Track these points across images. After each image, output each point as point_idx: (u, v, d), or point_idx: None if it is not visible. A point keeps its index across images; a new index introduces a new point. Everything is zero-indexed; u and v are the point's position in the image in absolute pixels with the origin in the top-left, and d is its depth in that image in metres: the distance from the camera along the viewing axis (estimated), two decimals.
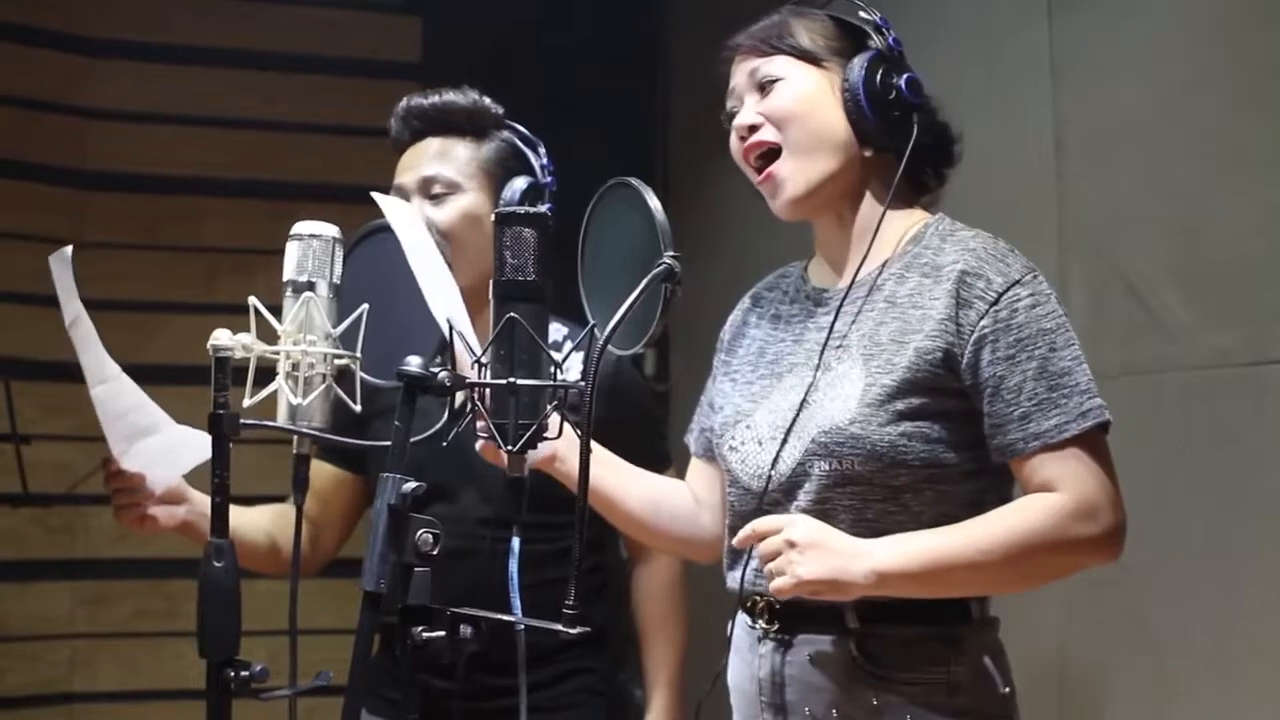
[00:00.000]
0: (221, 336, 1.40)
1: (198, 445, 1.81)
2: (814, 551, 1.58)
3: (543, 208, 1.90)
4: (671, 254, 1.48)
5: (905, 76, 1.73)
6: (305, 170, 3.97)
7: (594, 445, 1.82)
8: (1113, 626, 2.39)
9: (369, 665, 2.21)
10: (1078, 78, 2.54)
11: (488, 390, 1.38)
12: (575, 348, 1.47)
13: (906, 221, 1.77)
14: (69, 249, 1.73)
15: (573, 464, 1.79)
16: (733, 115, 1.80)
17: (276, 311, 1.45)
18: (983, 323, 1.64)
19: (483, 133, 2.16)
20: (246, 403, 1.41)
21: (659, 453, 2.19)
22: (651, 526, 1.92)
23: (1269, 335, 2.13)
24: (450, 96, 2.18)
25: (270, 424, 1.42)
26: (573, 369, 1.50)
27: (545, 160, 2.16)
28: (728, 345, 1.92)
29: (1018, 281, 1.65)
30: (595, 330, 1.50)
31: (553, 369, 1.39)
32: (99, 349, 1.80)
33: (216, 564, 1.38)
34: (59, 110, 3.86)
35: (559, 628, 1.33)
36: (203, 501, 1.99)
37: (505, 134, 2.18)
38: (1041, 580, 1.72)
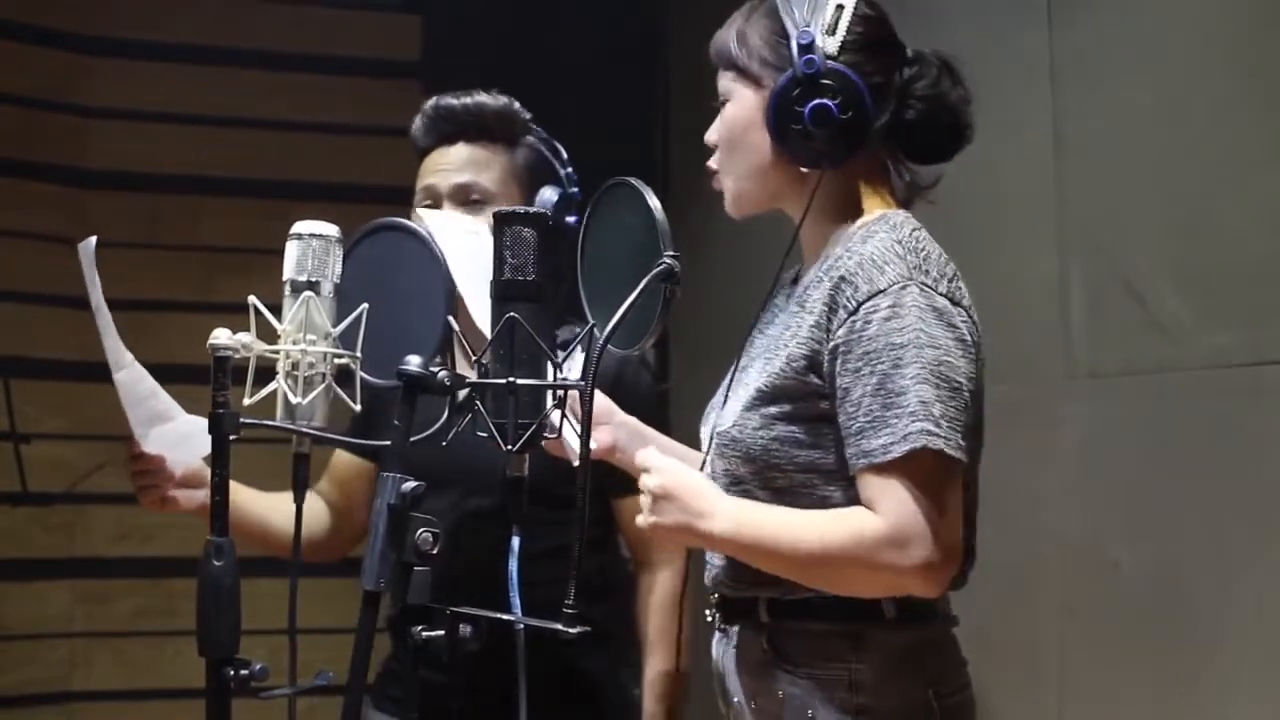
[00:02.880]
0: (221, 336, 1.40)
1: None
2: (666, 503, 1.63)
3: (571, 219, 1.92)
4: (671, 254, 1.48)
5: (810, 105, 1.66)
6: (305, 170, 3.96)
7: (648, 428, 1.86)
8: (1112, 626, 2.39)
9: (383, 667, 2.22)
10: (1077, 78, 2.54)
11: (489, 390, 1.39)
12: (574, 347, 1.47)
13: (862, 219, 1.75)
14: (93, 240, 1.75)
15: (634, 453, 1.81)
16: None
17: (276, 310, 1.45)
18: (839, 331, 1.62)
19: (512, 139, 2.16)
20: (246, 402, 1.41)
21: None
22: None
23: (1269, 336, 2.13)
24: (482, 99, 2.16)
25: (270, 423, 1.43)
26: (575, 369, 1.50)
27: (570, 169, 2.15)
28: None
29: (881, 291, 1.61)
30: (595, 330, 1.50)
31: (554, 368, 1.39)
32: (116, 339, 1.82)
33: (216, 563, 1.38)
34: (58, 109, 3.85)
35: (559, 627, 1.33)
36: None
37: (531, 140, 2.17)
38: (844, 590, 1.66)
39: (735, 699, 1.73)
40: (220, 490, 1.40)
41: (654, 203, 1.51)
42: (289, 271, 1.45)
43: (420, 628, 1.38)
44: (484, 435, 1.44)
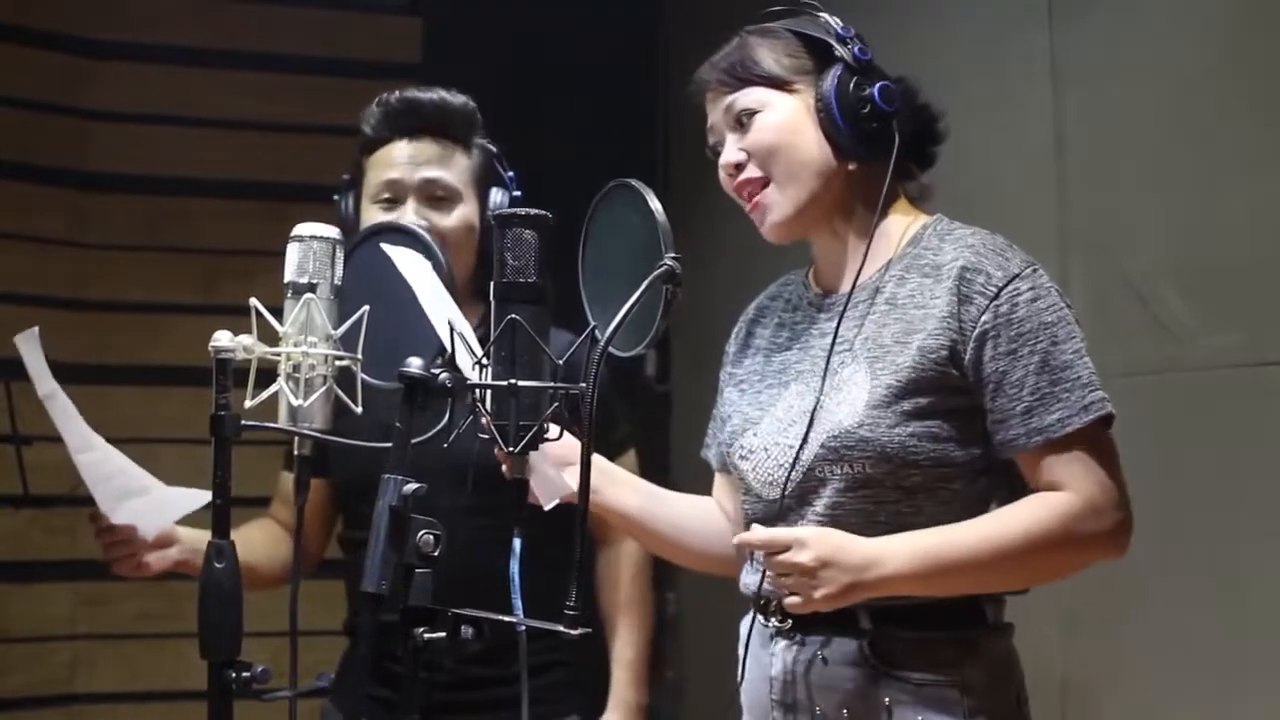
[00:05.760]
0: (222, 338, 1.40)
1: (187, 500, 1.87)
2: (826, 571, 1.59)
3: None
4: (672, 255, 1.48)
5: (877, 86, 1.72)
6: (305, 171, 3.95)
7: (618, 469, 1.84)
8: (1114, 627, 2.39)
9: (341, 665, 2.20)
10: (1078, 79, 2.54)
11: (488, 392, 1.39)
12: (575, 350, 1.47)
13: (905, 221, 1.77)
14: (35, 330, 1.73)
15: (606, 495, 1.81)
16: (717, 150, 1.80)
17: (277, 313, 1.45)
18: (984, 318, 1.64)
19: (468, 140, 2.17)
20: (248, 404, 1.41)
21: (615, 439, 2.18)
22: (684, 548, 1.92)
23: (1270, 336, 2.13)
24: (445, 95, 2.17)
25: (272, 426, 1.42)
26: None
27: (511, 173, 2.18)
28: (733, 358, 1.92)
29: (1018, 275, 1.65)
30: (596, 332, 1.50)
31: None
32: (79, 422, 1.83)
33: (218, 565, 1.38)
34: (60, 111, 3.85)
35: (560, 629, 1.33)
36: (191, 538, 2.02)
37: (483, 143, 2.19)
38: (1047, 579, 1.72)
39: (816, 708, 1.69)
40: (222, 494, 1.40)
41: (655, 204, 1.51)
42: (290, 274, 1.45)
43: (422, 629, 1.38)
44: (484, 437, 1.44)
